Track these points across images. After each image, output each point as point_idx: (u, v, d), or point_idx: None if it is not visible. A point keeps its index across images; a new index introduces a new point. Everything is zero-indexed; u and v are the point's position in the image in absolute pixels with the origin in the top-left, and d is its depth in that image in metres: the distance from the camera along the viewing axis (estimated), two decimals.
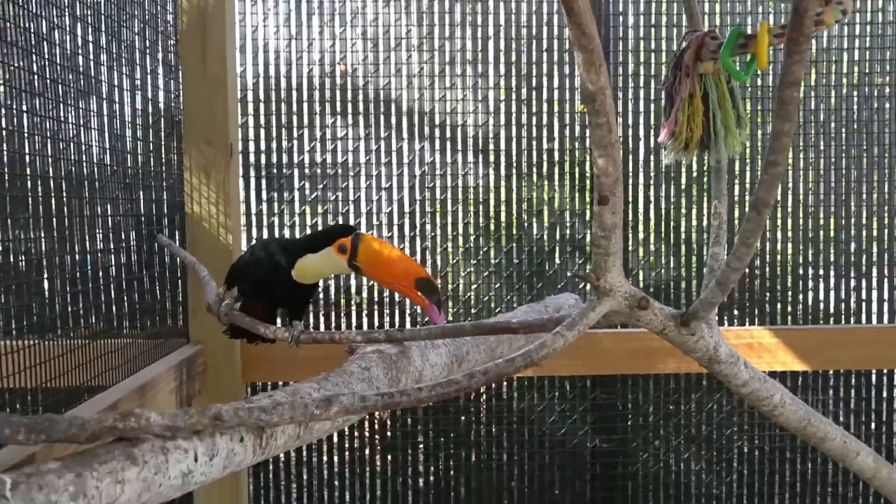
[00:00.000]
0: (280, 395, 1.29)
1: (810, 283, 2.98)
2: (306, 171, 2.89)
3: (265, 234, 2.88)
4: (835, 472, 2.97)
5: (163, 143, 2.42)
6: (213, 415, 1.08)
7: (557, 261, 2.94)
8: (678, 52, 1.64)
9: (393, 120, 2.89)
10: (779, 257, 2.97)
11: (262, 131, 2.86)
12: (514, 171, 2.93)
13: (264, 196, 2.88)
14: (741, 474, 3.00)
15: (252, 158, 2.86)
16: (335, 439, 2.93)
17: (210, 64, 2.38)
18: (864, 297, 2.97)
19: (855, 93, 2.95)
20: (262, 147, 2.87)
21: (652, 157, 2.94)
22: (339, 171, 2.89)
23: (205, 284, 1.88)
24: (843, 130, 2.95)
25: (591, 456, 2.99)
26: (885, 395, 2.98)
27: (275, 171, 2.88)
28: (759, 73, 2.93)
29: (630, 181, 2.94)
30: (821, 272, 2.98)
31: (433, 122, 2.90)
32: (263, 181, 2.88)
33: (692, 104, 1.60)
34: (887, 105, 2.96)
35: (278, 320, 1.89)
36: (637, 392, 2.98)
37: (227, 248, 2.40)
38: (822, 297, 2.98)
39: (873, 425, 2.98)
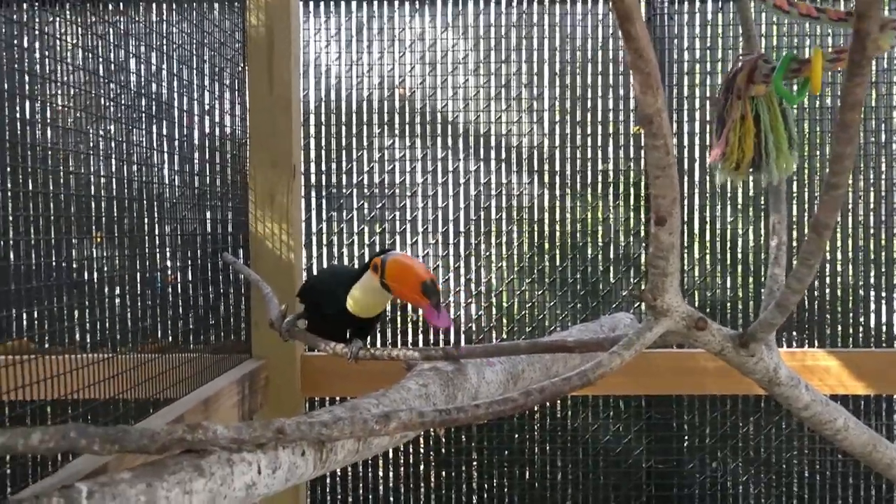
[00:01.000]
0: (340, 411, 1.30)
1: (872, 305, 2.88)
2: (365, 191, 2.92)
3: (325, 253, 2.92)
4: None
5: (229, 164, 2.48)
6: (277, 428, 1.09)
7: (612, 280, 2.91)
8: (731, 74, 1.62)
9: (449, 141, 2.91)
10: (839, 279, 2.89)
11: (323, 153, 2.91)
12: (568, 190, 2.92)
13: (324, 215, 2.93)
14: (801, 499, 2.90)
15: (313, 179, 2.91)
16: (391, 455, 2.93)
17: (276, 88, 2.44)
18: None
19: None
20: (323, 168, 2.92)
21: (707, 178, 2.89)
22: (397, 191, 2.92)
23: (267, 301, 1.92)
24: None
25: (647, 476, 2.93)
26: None
27: (334, 191, 2.92)
28: (818, 94, 2.87)
29: (686, 201, 2.90)
30: (883, 294, 2.88)
31: (489, 143, 2.91)
32: (324, 201, 2.93)
33: (744, 126, 1.58)
34: None
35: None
36: (693, 413, 2.92)
37: (288, 266, 2.44)
38: (884, 319, 2.88)
39: None
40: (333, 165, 2.92)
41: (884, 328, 2.87)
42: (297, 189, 2.52)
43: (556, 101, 2.91)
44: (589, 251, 2.91)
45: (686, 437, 2.92)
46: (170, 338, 2.40)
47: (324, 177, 2.92)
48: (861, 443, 1.55)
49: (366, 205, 2.92)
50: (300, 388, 2.49)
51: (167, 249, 2.25)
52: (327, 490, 2.92)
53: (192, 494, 0.98)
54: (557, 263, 2.91)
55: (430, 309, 1.56)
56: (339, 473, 2.92)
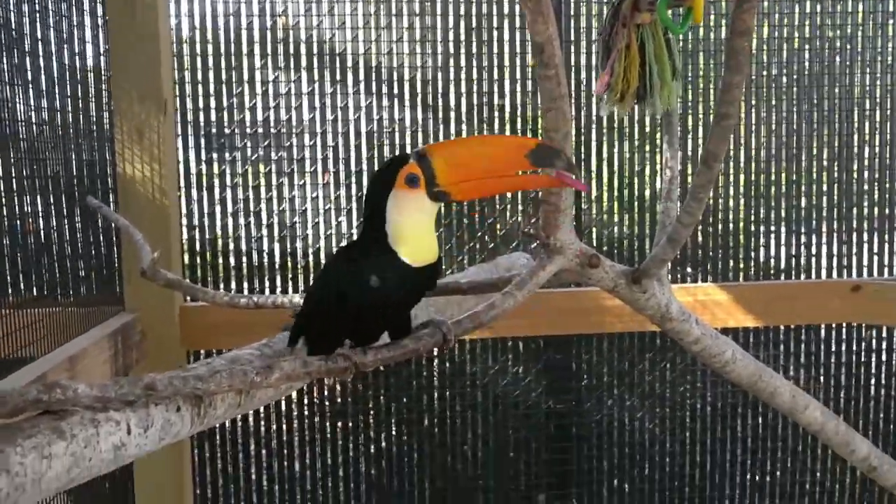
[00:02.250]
0: (218, 363, 1.27)
1: (762, 239, 3.03)
2: (248, 129, 2.82)
3: (205, 197, 2.81)
4: (784, 426, 3.06)
5: (92, 100, 2.33)
6: (146, 384, 1.05)
7: (510, 219, 2.94)
8: (616, 1, 1.63)
9: (338, 75, 2.83)
10: (731, 214, 3.02)
11: (200, 87, 2.78)
12: (464, 127, 2.91)
13: (203, 156, 2.81)
14: (693, 431, 3.07)
15: (190, 116, 2.78)
16: (283, 407, 2.91)
17: (139, 14, 2.29)
18: (814, 252, 3.04)
19: (807, 46, 2.99)
20: (200, 104, 2.79)
21: (605, 114, 2.94)
22: (283, 129, 2.83)
23: (139, 248, 1.83)
24: (795, 85, 2.99)
25: (546, 417, 3.03)
26: (833, 349, 3.07)
27: (214, 129, 2.81)
28: (712, 25, 2.94)
29: (583, 138, 2.94)
30: (772, 227, 3.04)
31: (380, 76, 2.85)
32: (202, 140, 2.81)
33: (629, 55, 1.60)
34: (837, 59, 3.00)
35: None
36: (591, 352, 3.02)
37: (162, 210, 2.34)
38: (773, 252, 3.04)
39: (822, 379, 3.07)
40: (212, 102, 2.80)
41: (772, 261, 3.04)
42: (169, 126, 2.40)
43: (450, 32, 2.87)
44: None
45: (584, 377, 3.02)
46: (32, 290, 2.27)
47: (201, 114, 2.79)
48: (748, 374, 1.64)
49: (248, 144, 2.82)
50: (180, 342, 2.42)
51: (26, 194, 2.11)
52: (217, 446, 2.88)
53: (51, 459, 0.93)
54: (454, 204, 2.91)
55: (564, 177, 1.20)
56: (227, 427, 2.88)
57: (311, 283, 1.28)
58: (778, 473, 3.11)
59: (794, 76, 2.99)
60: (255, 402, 1.33)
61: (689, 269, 3.00)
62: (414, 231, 1.20)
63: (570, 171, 1.20)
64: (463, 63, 2.88)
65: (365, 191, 1.24)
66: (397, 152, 2.87)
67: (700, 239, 2.98)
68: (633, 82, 1.64)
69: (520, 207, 2.94)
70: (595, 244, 2.97)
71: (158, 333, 2.38)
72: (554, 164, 1.20)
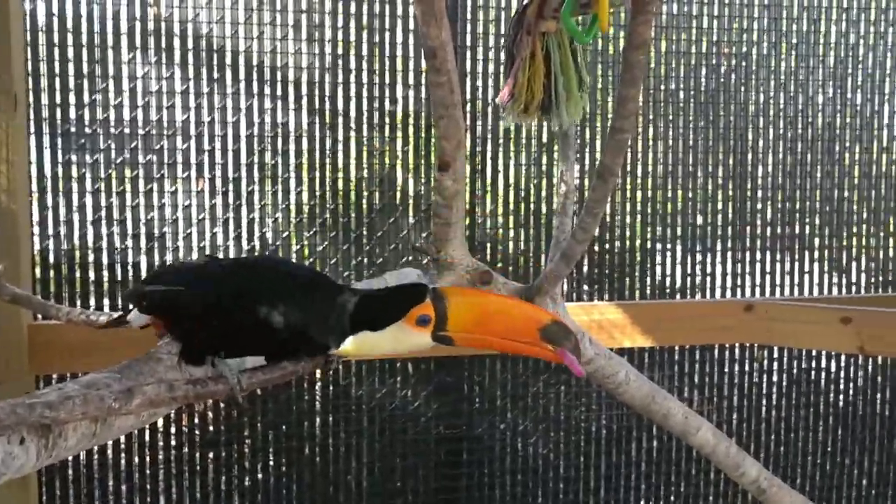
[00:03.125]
0: (71, 388, 1.20)
1: (658, 258, 3.16)
2: (112, 128, 2.71)
3: (62, 203, 2.68)
4: (678, 448, 3.18)
5: None
6: None
7: (401, 232, 2.94)
8: (522, 6, 1.66)
9: (216, 73, 2.77)
10: (627, 231, 3.13)
11: (58, 81, 2.66)
12: (352, 133, 2.90)
13: (60, 157, 2.68)
14: (588, 455, 3.15)
15: (45, 112, 2.65)
16: (146, 436, 2.80)
17: None
18: (709, 271, 3.18)
19: (703, 62, 3.14)
20: (58, 100, 2.67)
21: (501, 124, 2.99)
22: (153, 129, 2.74)
23: None
24: (692, 101, 3.14)
25: (436, 443, 3.04)
26: (726, 369, 3.22)
27: (73, 128, 2.69)
28: (609, 36, 3.05)
29: (479, 148, 2.98)
30: (668, 245, 3.17)
31: (262, 76, 2.81)
32: (59, 139, 2.68)
33: (533, 64, 1.63)
34: (733, 76, 3.17)
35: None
36: (483, 374, 3.05)
37: (10, 216, 2.22)
38: (668, 271, 3.17)
39: (715, 400, 3.22)
40: (72, 97, 2.68)
41: (668, 280, 3.17)
42: (20, 123, 2.29)
43: (340, 31, 2.86)
44: (376, 200, 2.92)
45: (476, 400, 3.05)
46: None
47: (59, 110, 2.67)
48: (641, 395, 1.70)
49: (113, 145, 2.72)
50: (28, 365, 2.29)
51: None
52: (69, 480, 2.74)
53: None
54: (341, 214, 2.89)
55: (567, 357, 1.24)
56: (82, 460, 2.74)
57: (201, 264, 1.22)
58: (672, 497, 3.22)
59: (692, 92, 3.13)
60: (113, 431, 1.27)
61: (584, 288, 3.09)
62: (378, 350, 1.27)
63: (575, 354, 1.25)
64: (353, 65, 2.87)
65: (379, 296, 1.27)
66: (279, 159, 2.83)
67: (596, 257, 3.08)
68: (538, 93, 1.67)
69: (410, 220, 2.95)
70: (488, 260, 3.01)
71: (2, 355, 2.25)
72: (562, 345, 1.25)
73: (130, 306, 1.36)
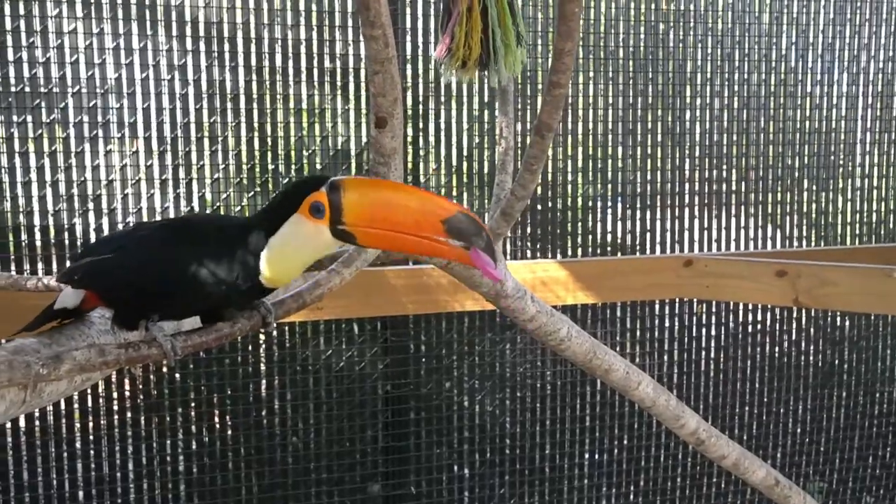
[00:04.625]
0: None
1: (598, 215, 3.18)
2: (41, 87, 2.61)
3: None
4: (621, 403, 3.24)
5: None
6: None
7: None
8: None
9: (148, 28, 2.67)
10: (569, 188, 3.14)
11: None
12: (291, 91, 2.83)
13: None
14: (534, 411, 3.19)
15: None
16: (89, 401, 2.75)
17: None
18: (649, 227, 3.22)
19: (642, 19, 3.14)
20: None
21: (442, 81, 2.96)
22: (83, 88, 2.65)
23: None
24: (631, 58, 3.14)
25: (383, 403, 3.04)
26: (666, 324, 3.28)
27: (0, 87, 2.58)
28: None
29: (420, 107, 2.95)
30: (609, 202, 3.19)
31: (197, 32, 2.72)
32: None
33: (471, 19, 1.61)
34: (671, 33, 3.18)
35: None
36: (430, 332, 3.06)
37: None
38: (609, 228, 3.20)
39: (655, 355, 3.28)
40: None
41: (609, 237, 3.20)
42: None
43: None
44: (317, 161, 2.87)
45: (423, 359, 3.06)
46: None
47: None
48: (583, 351, 1.71)
49: (43, 104, 2.62)
50: None
51: None
52: (6, 448, 2.68)
53: None
54: (281, 174, 2.85)
55: (477, 257, 1.11)
56: (22, 428, 2.68)
57: (132, 232, 1.20)
58: (616, 451, 3.29)
59: (631, 49, 3.14)
60: (44, 397, 1.24)
61: (528, 245, 3.10)
62: (294, 259, 1.19)
63: (489, 254, 1.12)
64: (290, 20, 2.80)
65: (274, 196, 1.19)
66: (217, 118, 2.76)
67: (539, 214, 3.09)
68: (476, 48, 1.65)
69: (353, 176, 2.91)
70: None
71: None
72: (472, 241, 1.12)
73: (60, 290, 1.31)
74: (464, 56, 1.63)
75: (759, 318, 3.39)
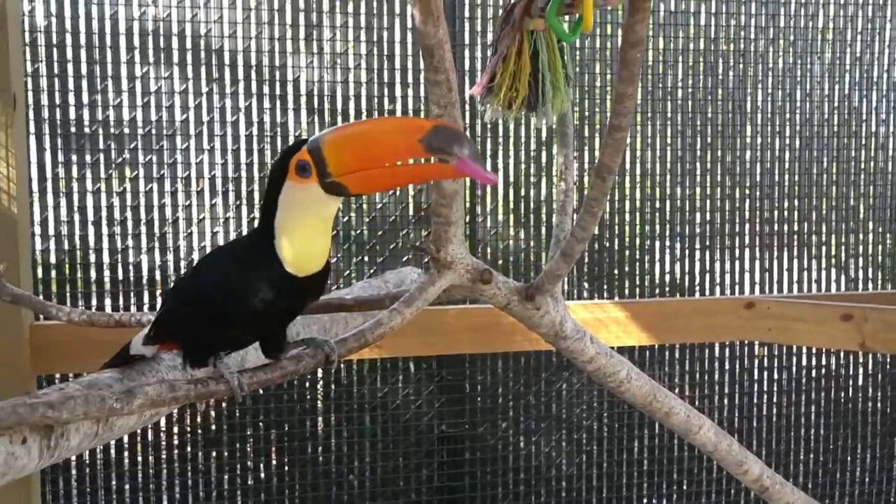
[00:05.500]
0: (73, 388, 1.21)
1: (657, 255, 3.16)
2: (112, 129, 2.72)
3: (63, 203, 2.68)
4: (680, 446, 3.19)
5: None
6: None
7: (400, 232, 2.94)
8: (508, 6, 1.67)
9: (215, 73, 2.77)
10: (627, 229, 3.13)
11: (57, 82, 2.66)
12: None
13: (61, 158, 2.69)
14: (590, 453, 3.15)
15: (45, 113, 2.66)
16: (150, 436, 2.81)
17: None
18: (708, 268, 3.19)
19: (701, 59, 3.14)
20: (58, 101, 2.67)
21: (501, 122, 2.99)
22: (153, 130, 2.75)
23: None
24: (690, 99, 3.14)
25: (438, 442, 3.04)
26: (727, 367, 3.23)
27: (74, 129, 2.70)
28: (607, 34, 3.05)
29: (478, 148, 2.99)
30: (667, 243, 3.17)
31: (261, 76, 2.81)
32: (59, 141, 2.69)
33: (519, 62, 1.64)
34: (731, 73, 3.17)
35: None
36: (485, 372, 3.06)
37: (9, 219, 2.22)
38: (668, 268, 3.17)
39: (716, 398, 3.22)
40: (71, 97, 2.69)
41: (667, 278, 3.17)
42: (19, 123, 2.29)
43: (338, 31, 2.86)
44: (376, 200, 2.92)
45: (479, 399, 3.06)
46: None
47: (58, 111, 2.68)
48: (642, 393, 1.69)
49: (113, 146, 2.72)
50: (29, 365, 2.29)
51: None
52: (73, 481, 2.75)
53: None
54: (341, 213, 2.90)
55: (465, 164, 1.07)
56: (86, 460, 2.75)
57: (181, 278, 1.24)
58: (675, 496, 3.23)
59: (690, 89, 3.13)
60: (115, 431, 1.28)
61: (585, 286, 3.09)
62: (302, 230, 1.14)
63: (474, 160, 1.08)
64: (351, 64, 2.87)
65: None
66: None
67: (596, 255, 3.08)
68: (523, 90, 1.68)
69: (411, 220, 2.95)
70: (488, 259, 3.02)
71: (4, 356, 2.25)
72: (453, 151, 1.08)
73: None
74: (510, 98, 1.66)
75: (824, 361, 3.31)
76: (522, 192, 3.04)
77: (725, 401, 3.23)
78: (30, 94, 2.60)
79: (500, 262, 3.03)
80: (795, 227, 3.25)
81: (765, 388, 3.27)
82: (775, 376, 3.28)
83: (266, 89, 2.82)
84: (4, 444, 1.04)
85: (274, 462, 2.92)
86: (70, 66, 2.67)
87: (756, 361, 3.26)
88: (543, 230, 3.05)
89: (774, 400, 3.28)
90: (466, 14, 2.95)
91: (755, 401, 3.26)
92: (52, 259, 2.70)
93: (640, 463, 3.19)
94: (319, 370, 2.90)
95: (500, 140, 3.02)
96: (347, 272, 2.90)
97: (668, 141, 3.14)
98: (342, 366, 2.93)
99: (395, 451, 3.00)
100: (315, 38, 2.84)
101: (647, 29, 1.08)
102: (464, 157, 1.08)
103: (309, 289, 1.20)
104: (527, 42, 1.65)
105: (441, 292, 1.41)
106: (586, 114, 3.05)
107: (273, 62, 2.81)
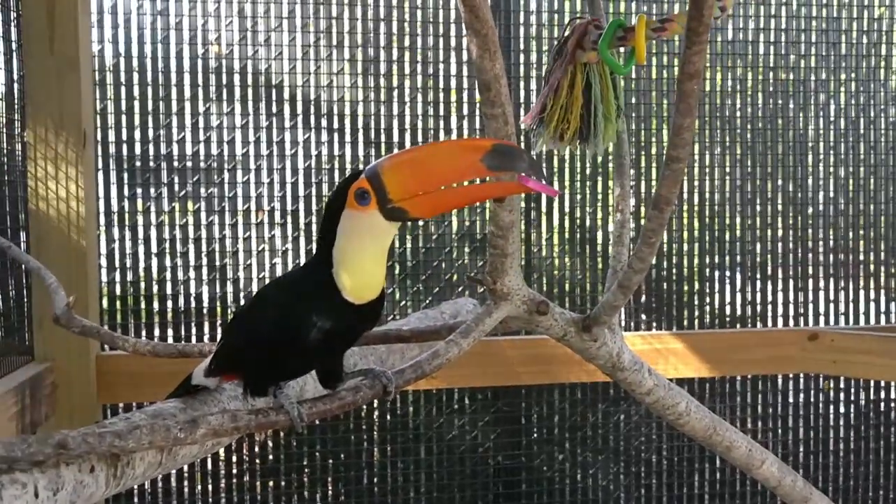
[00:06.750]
0: (139, 417, 1.24)
1: (716, 286, 3.11)
2: (175, 163, 2.80)
3: (128, 236, 2.76)
4: (742, 481, 3.11)
5: (3, 130, 2.29)
6: (58, 442, 1.02)
7: (456, 263, 2.96)
8: (562, 39, 1.69)
9: (274, 107, 2.84)
10: (685, 259, 3.09)
11: (124, 118, 2.76)
12: None
13: (126, 192, 2.77)
14: (649, 487, 3.10)
15: (112, 149, 2.75)
16: (209, 465, 2.85)
17: (59, 41, 2.27)
18: (769, 298, 3.12)
19: (760, 88, 3.11)
20: (124, 136, 2.76)
21: (556, 153, 3.00)
22: (214, 164, 2.82)
23: (52, 293, 1.79)
24: (749, 127, 3.10)
25: (495, 474, 3.02)
26: (790, 400, 3.15)
27: (139, 163, 2.78)
28: (664, 64, 3.04)
29: None
30: (727, 273, 3.12)
31: (319, 110, 2.87)
32: (125, 175, 2.77)
33: (572, 94, 1.65)
34: (791, 103, 3.13)
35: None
36: (542, 403, 3.04)
37: (79, 251, 2.29)
38: (728, 299, 3.12)
39: (780, 432, 3.14)
40: (137, 133, 2.77)
41: (727, 308, 3.11)
42: (88, 159, 2.37)
43: (394, 65, 2.91)
44: (432, 231, 2.94)
45: (535, 430, 3.03)
46: None
47: (125, 147, 2.76)
48: (702, 427, 1.67)
49: (176, 179, 2.80)
50: (96, 395, 2.36)
51: None
52: None
53: None
54: (396, 244, 2.93)
55: (526, 181, 1.10)
56: (147, 489, 2.80)
57: (240, 309, 1.27)
58: None
59: (748, 119, 3.10)
60: (178, 460, 1.31)
61: (643, 317, 3.06)
62: (361, 257, 1.15)
63: (535, 174, 1.11)
64: (407, 98, 2.92)
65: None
66: None
67: (654, 285, 3.05)
68: (575, 122, 1.69)
69: (466, 251, 2.96)
70: (544, 290, 3.01)
71: (72, 386, 2.31)
72: (515, 168, 1.11)
73: (195, 372, 1.41)
74: (562, 130, 1.67)
75: (893, 395, 3.21)
76: (578, 223, 3.04)
77: (790, 434, 3.14)
78: (98, 130, 2.69)
79: (556, 291, 3.02)
80: (861, 257, 3.18)
81: (831, 422, 3.18)
82: (842, 409, 3.19)
83: (324, 122, 2.87)
84: (74, 472, 1.07)
85: (330, 492, 2.93)
86: (136, 104, 2.76)
87: (821, 395, 3.17)
88: (599, 260, 3.03)
89: (841, 434, 3.19)
90: (521, 47, 2.97)
91: (821, 435, 3.17)
92: (118, 290, 2.77)
93: (700, 498, 3.12)
94: (375, 400, 2.91)
95: (556, 169, 3.02)
96: (403, 302, 2.92)
97: (727, 170, 3.10)
98: (398, 396, 2.94)
99: (451, 483, 2.99)
100: (371, 73, 2.89)
101: (704, 60, 1.08)
102: (525, 172, 1.11)
103: (366, 316, 1.21)
104: (580, 74, 1.66)
105: (497, 323, 1.42)
106: (643, 144, 3.04)
107: (331, 96, 2.87)
